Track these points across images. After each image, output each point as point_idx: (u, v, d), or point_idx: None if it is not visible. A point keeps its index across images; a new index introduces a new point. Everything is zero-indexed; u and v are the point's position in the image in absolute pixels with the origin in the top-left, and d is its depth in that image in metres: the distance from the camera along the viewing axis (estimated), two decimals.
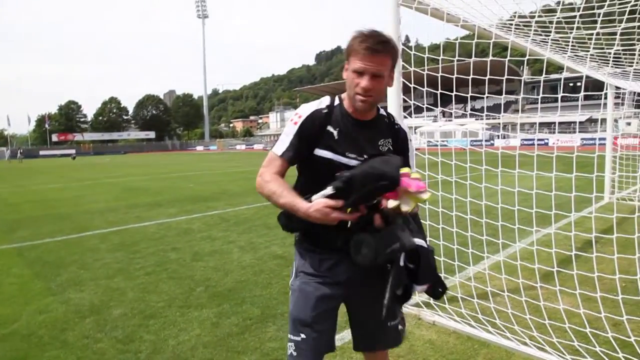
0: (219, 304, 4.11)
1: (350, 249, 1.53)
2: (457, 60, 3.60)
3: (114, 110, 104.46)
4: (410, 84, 3.69)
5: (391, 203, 1.47)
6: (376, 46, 1.61)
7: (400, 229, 1.51)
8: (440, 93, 3.68)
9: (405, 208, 1.48)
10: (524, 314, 3.23)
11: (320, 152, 1.75)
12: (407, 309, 3.74)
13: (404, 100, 3.59)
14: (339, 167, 1.69)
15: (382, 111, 1.88)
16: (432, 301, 3.72)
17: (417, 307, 3.74)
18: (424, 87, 3.69)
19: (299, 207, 1.56)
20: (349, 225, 1.55)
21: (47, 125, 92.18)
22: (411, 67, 3.64)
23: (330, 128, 1.76)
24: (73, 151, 71.21)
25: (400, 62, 3.63)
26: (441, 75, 3.68)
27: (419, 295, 3.82)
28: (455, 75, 3.58)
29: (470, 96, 3.52)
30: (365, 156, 1.72)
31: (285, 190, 1.64)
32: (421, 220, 3.63)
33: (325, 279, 1.80)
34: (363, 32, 1.65)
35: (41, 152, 76.60)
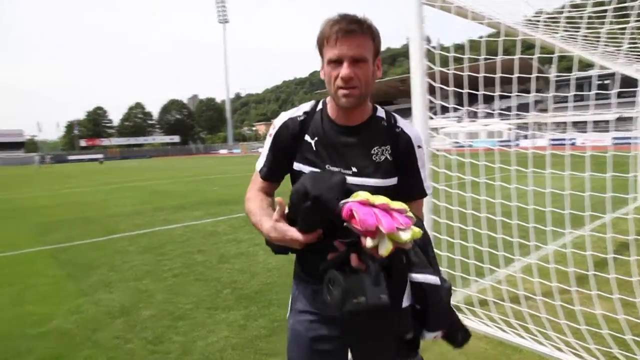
0: (246, 307, 4.12)
1: (323, 286, 1.26)
2: (478, 59, 3.53)
3: (139, 115, 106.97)
4: (435, 83, 3.64)
5: (368, 242, 1.16)
6: (351, 26, 1.34)
7: (371, 279, 1.17)
8: (464, 93, 3.62)
9: (381, 250, 1.16)
10: (559, 318, 3.13)
11: (297, 166, 1.52)
12: None
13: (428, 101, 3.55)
14: None
15: (379, 112, 1.55)
16: (462, 305, 3.66)
17: None
18: (448, 87, 3.64)
19: (262, 227, 1.34)
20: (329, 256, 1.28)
21: (75, 131, 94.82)
22: (436, 66, 3.59)
23: (307, 137, 1.51)
24: (101, 156, 72.74)
25: (425, 62, 3.59)
26: (465, 75, 3.62)
27: None
28: (482, 75, 3.51)
29: (496, 95, 3.45)
30: (354, 169, 1.46)
31: (258, 208, 1.45)
32: (450, 222, 3.56)
33: (318, 316, 1.57)
34: (333, 17, 1.39)
35: (70, 157, 78.60)
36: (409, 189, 1.54)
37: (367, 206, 1.17)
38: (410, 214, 1.19)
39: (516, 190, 3.43)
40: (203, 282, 4.89)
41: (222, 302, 4.28)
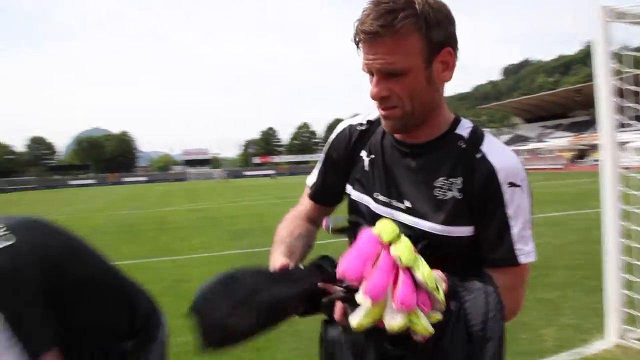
0: None
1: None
2: None
3: (305, 134, 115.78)
4: (624, 102, 3.48)
5: (358, 295, 0.76)
6: (375, 26, 0.91)
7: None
8: None
9: (353, 319, 0.77)
10: None
11: (348, 189, 1.20)
12: (631, 343, 3.50)
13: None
14: (365, 214, 1.13)
15: (462, 127, 1.06)
16: None
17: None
18: (638, 106, 3.45)
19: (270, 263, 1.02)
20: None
21: (250, 149, 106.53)
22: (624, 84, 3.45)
23: (363, 153, 1.16)
24: (272, 172, 79.80)
25: (612, 82, 3.42)
26: None
27: None
28: None
29: None
30: (406, 203, 1.05)
31: (285, 234, 1.19)
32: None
33: None
34: (368, 4, 0.95)
35: (245, 173, 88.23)
36: (487, 249, 1.02)
37: (376, 244, 0.78)
38: (440, 296, 0.76)
39: None
40: None
41: None
